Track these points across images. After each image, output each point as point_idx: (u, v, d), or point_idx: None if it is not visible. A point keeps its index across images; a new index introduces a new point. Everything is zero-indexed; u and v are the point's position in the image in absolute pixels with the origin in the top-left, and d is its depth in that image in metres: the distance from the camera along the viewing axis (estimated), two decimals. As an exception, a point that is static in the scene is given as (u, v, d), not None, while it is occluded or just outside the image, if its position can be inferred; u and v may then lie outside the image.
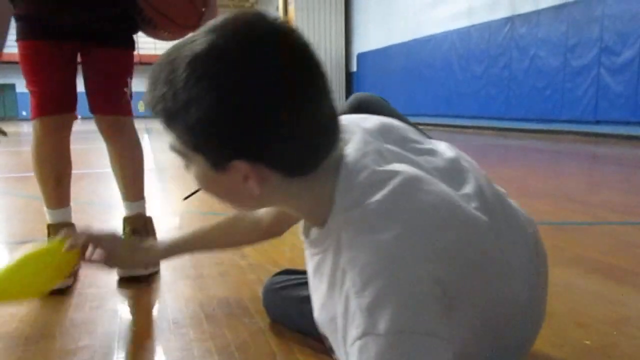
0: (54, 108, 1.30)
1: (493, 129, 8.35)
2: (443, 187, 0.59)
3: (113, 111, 1.38)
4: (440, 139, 0.76)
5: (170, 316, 1.12)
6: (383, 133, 0.67)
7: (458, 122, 9.35)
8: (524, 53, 7.79)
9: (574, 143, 6.07)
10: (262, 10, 0.54)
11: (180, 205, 2.53)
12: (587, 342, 0.96)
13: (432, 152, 0.69)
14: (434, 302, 0.50)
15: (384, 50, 12.08)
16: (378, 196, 0.54)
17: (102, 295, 1.26)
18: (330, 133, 0.56)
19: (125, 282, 1.34)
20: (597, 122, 6.71)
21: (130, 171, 1.46)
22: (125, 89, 1.40)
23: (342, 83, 14.39)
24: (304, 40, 0.53)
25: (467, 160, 0.71)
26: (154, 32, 1.36)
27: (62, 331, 1.05)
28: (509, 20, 8.08)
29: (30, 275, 0.90)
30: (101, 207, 2.42)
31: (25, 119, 15.96)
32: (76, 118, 1.39)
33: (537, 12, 7.54)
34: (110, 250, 0.95)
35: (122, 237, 0.91)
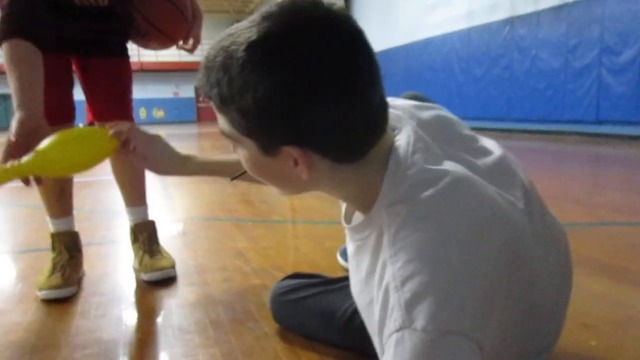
0: (54, 119, 1.31)
1: (494, 130, 8.34)
2: (490, 189, 0.59)
3: (118, 118, 1.40)
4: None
5: (175, 322, 1.12)
6: (438, 127, 0.67)
7: (459, 124, 9.33)
8: (525, 54, 7.80)
9: (576, 144, 6.06)
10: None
11: (183, 211, 2.54)
12: (593, 343, 0.96)
13: (483, 151, 0.69)
14: (471, 304, 0.51)
15: (384, 53, 12.10)
16: (424, 195, 0.55)
17: (106, 302, 1.26)
18: (379, 122, 0.57)
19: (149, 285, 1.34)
20: (599, 123, 6.70)
21: (134, 177, 1.47)
22: (129, 96, 1.42)
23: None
24: (358, 29, 0.54)
25: (513, 160, 0.71)
26: (145, 43, 1.40)
27: (68, 339, 1.05)
28: (509, 21, 8.10)
29: (76, 149, 0.94)
30: (104, 214, 2.42)
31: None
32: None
33: (537, 13, 7.55)
34: (148, 149, 0.94)
35: (163, 144, 0.92)
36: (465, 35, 9.15)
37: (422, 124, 0.66)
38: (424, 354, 0.48)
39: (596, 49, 6.59)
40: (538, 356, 0.71)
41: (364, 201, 0.61)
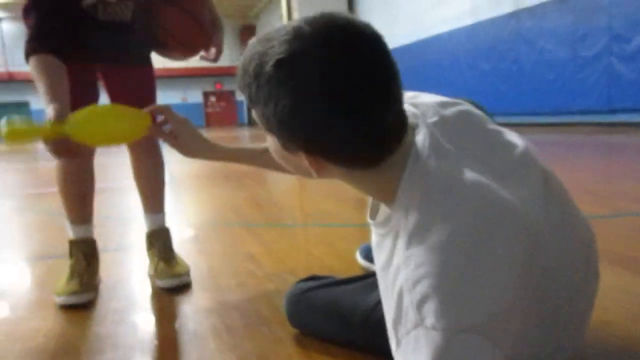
0: None
1: (505, 124, 8.21)
2: (503, 192, 0.61)
3: None
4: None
5: (191, 328, 1.13)
6: (461, 123, 0.69)
7: (469, 119, 9.25)
8: (532, 47, 7.71)
9: (589, 134, 5.98)
10: (349, 17, 0.58)
11: (195, 216, 2.56)
12: (611, 337, 0.94)
13: (507, 145, 0.70)
14: (481, 303, 0.53)
15: (390, 51, 12.05)
16: (437, 201, 0.58)
17: (123, 308, 1.28)
18: (392, 139, 0.61)
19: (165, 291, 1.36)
20: (612, 112, 6.60)
21: (154, 183, 1.51)
22: (151, 104, 1.45)
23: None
24: (384, 48, 0.58)
25: (536, 154, 0.72)
26: (167, 53, 1.43)
27: (87, 346, 1.07)
28: (514, 15, 8.02)
29: (113, 122, 1.04)
30: (118, 221, 2.45)
31: (40, 138, 16.18)
32: None
33: (542, 5, 7.47)
34: (179, 131, 1.01)
35: (192, 128, 1.03)
36: (471, 31, 9.08)
37: (444, 121, 0.68)
38: (439, 351, 0.51)
39: (605, 37, 6.50)
40: (560, 355, 0.71)
41: (384, 197, 0.65)
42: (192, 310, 1.25)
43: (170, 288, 1.38)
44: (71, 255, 1.41)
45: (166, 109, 1.02)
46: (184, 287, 1.39)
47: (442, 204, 0.58)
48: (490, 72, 8.69)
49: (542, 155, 0.73)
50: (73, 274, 1.36)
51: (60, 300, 1.29)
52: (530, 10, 7.69)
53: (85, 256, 1.40)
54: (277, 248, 1.76)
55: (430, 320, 0.52)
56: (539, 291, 0.61)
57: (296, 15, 14.70)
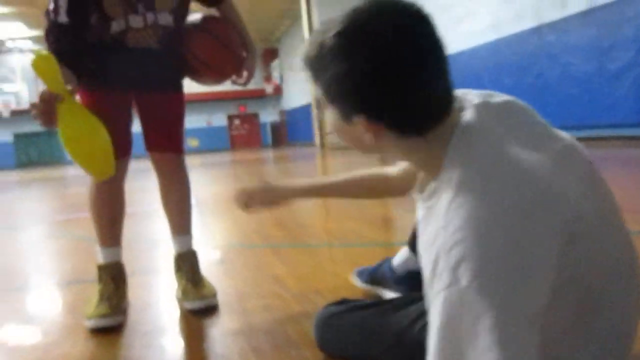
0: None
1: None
2: (547, 172, 0.63)
3: (170, 149, 1.50)
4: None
5: (218, 351, 1.13)
6: (506, 111, 0.72)
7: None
8: (556, 61, 7.61)
9: (618, 148, 5.81)
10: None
11: (220, 238, 2.57)
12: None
13: (554, 137, 0.71)
14: (511, 273, 0.55)
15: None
16: (479, 173, 0.61)
17: (151, 332, 1.28)
18: (441, 107, 0.66)
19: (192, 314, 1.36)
20: (642, 125, 6.41)
21: (182, 206, 1.53)
22: (179, 129, 1.52)
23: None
24: (431, 29, 0.64)
25: (583, 149, 0.72)
26: (198, 78, 1.48)
27: (116, 370, 1.07)
28: (537, 30, 7.96)
29: (90, 147, 1.24)
30: (144, 244, 2.49)
31: (69, 163, 16.76)
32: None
33: (565, 19, 7.39)
34: (261, 199, 1.19)
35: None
36: (494, 47, 9.05)
37: (490, 106, 0.71)
38: (468, 307, 0.54)
39: (632, 49, 6.36)
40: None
41: (431, 170, 0.69)
42: (219, 333, 1.24)
43: (198, 310, 1.39)
44: (100, 279, 1.43)
45: (247, 196, 1.19)
46: (211, 310, 1.39)
47: (484, 175, 0.61)
48: (514, 87, 8.60)
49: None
50: (102, 297, 1.38)
51: (90, 323, 1.31)
52: (553, 25, 7.62)
53: (113, 279, 1.42)
54: (302, 269, 1.75)
55: (464, 280, 0.55)
56: (576, 280, 0.62)
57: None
